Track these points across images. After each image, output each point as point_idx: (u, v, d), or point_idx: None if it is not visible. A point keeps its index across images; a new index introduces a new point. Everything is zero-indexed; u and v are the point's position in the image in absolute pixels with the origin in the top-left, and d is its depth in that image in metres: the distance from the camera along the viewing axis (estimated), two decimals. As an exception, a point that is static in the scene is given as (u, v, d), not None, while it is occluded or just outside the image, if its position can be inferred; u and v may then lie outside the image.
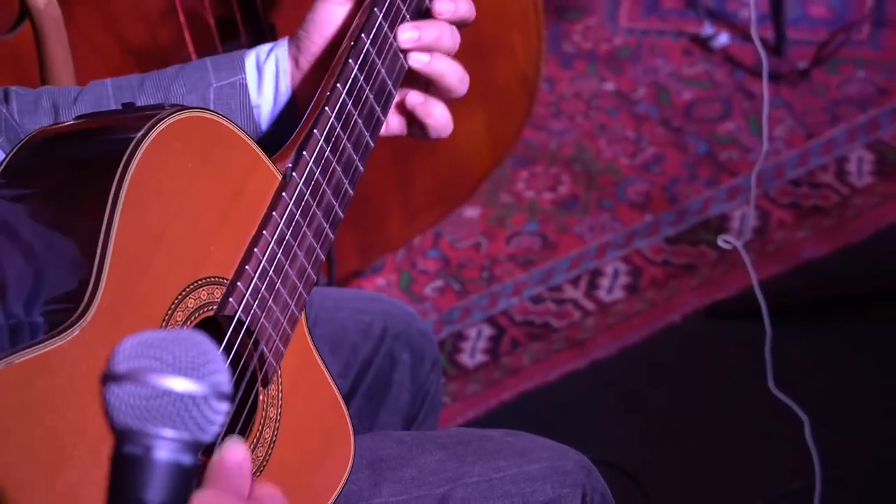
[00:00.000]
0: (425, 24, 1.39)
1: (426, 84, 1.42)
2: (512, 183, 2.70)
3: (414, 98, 1.41)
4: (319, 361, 1.42)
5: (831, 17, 2.93)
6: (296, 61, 1.45)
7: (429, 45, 1.39)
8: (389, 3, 1.38)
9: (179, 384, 0.99)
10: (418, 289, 2.42)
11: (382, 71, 1.40)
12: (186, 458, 1.00)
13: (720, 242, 2.21)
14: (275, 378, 1.33)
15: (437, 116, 1.42)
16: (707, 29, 2.89)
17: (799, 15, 2.93)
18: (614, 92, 2.86)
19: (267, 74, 1.45)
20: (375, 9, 1.36)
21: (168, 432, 1.00)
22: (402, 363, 1.76)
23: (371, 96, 1.39)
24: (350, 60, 1.34)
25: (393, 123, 1.43)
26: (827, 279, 2.46)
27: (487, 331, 2.35)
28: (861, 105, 2.77)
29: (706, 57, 2.89)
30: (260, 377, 1.31)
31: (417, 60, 1.39)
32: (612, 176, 2.70)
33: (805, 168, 2.70)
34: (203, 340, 1.03)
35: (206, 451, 1.12)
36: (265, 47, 1.49)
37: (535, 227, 2.54)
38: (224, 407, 1.03)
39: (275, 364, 1.32)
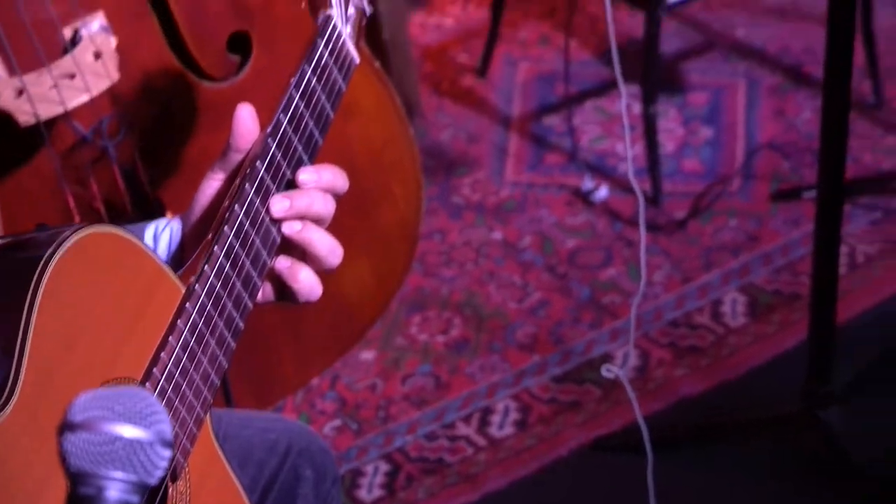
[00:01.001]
0: (296, 193, 1.42)
1: (301, 251, 1.46)
2: (406, 327, 2.71)
3: (281, 263, 1.43)
4: (224, 462, 1.45)
5: (703, 172, 2.99)
6: (185, 232, 1.50)
7: (300, 212, 1.42)
8: (260, 179, 1.41)
9: (128, 431, 1.08)
10: (316, 429, 2.42)
11: (257, 240, 1.42)
12: (134, 499, 1.08)
13: (603, 371, 2.31)
14: (183, 474, 1.36)
15: (303, 281, 1.44)
16: (587, 183, 2.93)
17: (673, 169, 2.99)
18: (501, 241, 2.88)
19: (161, 243, 1.49)
20: (246, 183, 1.39)
21: (118, 474, 1.08)
22: (305, 479, 1.78)
23: (247, 262, 1.42)
24: (225, 227, 1.37)
25: (266, 289, 1.46)
26: (705, 413, 2.48)
27: (384, 467, 2.39)
28: (733, 252, 2.83)
29: (587, 208, 2.92)
30: (169, 472, 1.32)
31: (290, 227, 1.42)
32: (500, 320, 2.71)
33: (682, 310, 2.73)
34: (147, 395, 1.11)
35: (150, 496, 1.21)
36: (163, 220, 1.53)
37: (429, 368, 2.57)
38: (167, 453, 1.10)
39: (182, 460, 1.35)
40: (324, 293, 1.57)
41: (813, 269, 2.21)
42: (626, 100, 2.49)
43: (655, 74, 2.89)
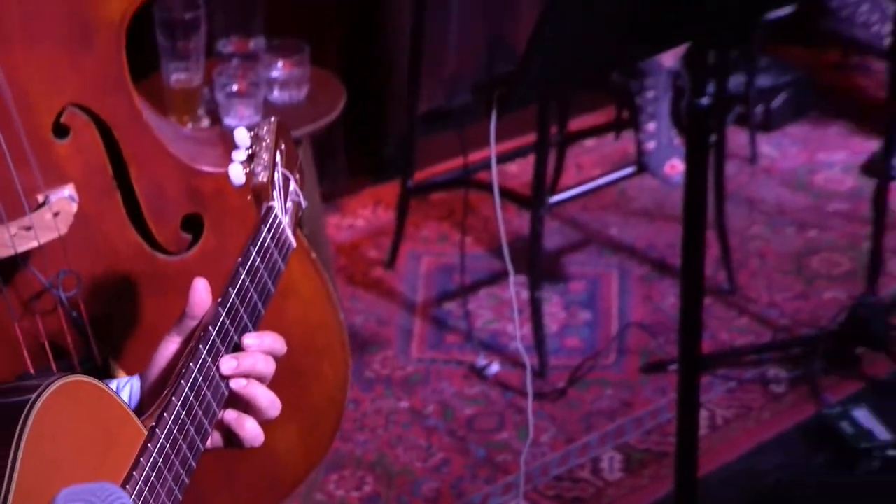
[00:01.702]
0: (243, 355, 1.48)
1: (245, 404, 1.50)
2: (324, 485, 2.74)
3: (229, 414, 1.48)
4: None
5: (583, 348, 3.09)
6: (144, 387, 1.53)
7: (245, 371, 1.48)
8: (212, 342, 1.46)
9: None
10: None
11: (209, 394, 1.46)
12: None
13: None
14: None
15: (249, 430, 1.50)
16: (481, 360, 3.03)
17: (557, 346, 3.09)
18: (408, 409, 2.95)
19: (123, 395, 1.51)
20: (200, 345, 1.44)
21: None
22: None
23: (200, 412, 1.45)
24: (182, 381, 1.42)
25: (214, 436, 1.50)
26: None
27: None
28: (610, 416, 2.92)
29: (481, 381, 3.00)
30: None
31: (237, 383, 1.47)
32: (408, 477, 2.76)
33: (566, 466, 2.80)
34: (117, 489, 1.27)
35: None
36: (125, 378, 1.58)
37: (346, 522, 2.58)
38: None
39: None
40: (256, 451, 1.61)
41: (677, 431, 2.22)
42: (515, 287, 2.63)
43: (540, 266, 3.00)
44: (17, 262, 1.91)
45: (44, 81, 1.91)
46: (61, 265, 1.93)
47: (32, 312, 1.95)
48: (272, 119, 1.72)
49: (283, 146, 1.72)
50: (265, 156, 1.67)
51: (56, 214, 1.91)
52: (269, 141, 1.70)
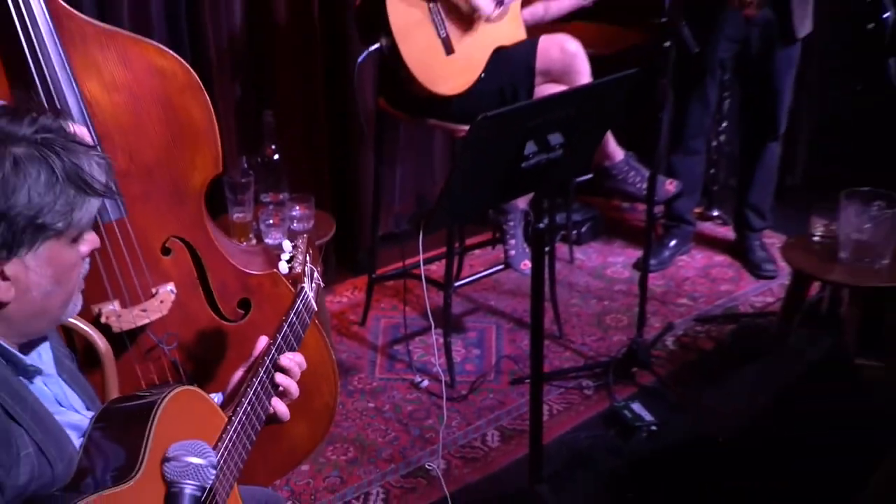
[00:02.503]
0: (289, 362, 1.50)
1: (281, 393, 1.51)
2: (324, 452, 2.63)
3: (275, 401, 1.50)
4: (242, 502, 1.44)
5: (476, 370, 3.00)
6: (224, 398, 1.53)
7: (288, 368, 1.50)
8: (266, 367, 1.47)
9: (195, 460, 1.25)
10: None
11: (263, 395, 1.46)
12: (199, 494, 1.26)
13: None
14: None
15: (283, 409, 1.51)
16: (417, 378, 2.92)
17: (461, 369, 2.98)
18: (374, 408, 2.83)
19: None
20: (260, 367, 1.46)
21: (189, 482, 1.25)
22: None
23: (258, 405, 1.46)
24: (249, 389, 1.44)
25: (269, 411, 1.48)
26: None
27: None
28: (491, 410, 2.81)
29: (418, 390, 2.90)
30: (216, 481, 1.30)
31: (283, 378, 1.49)
32: (374, 447, 2.65)
33: (467, 440, 2.70)
34: (208, 447, 1.27)
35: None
36: (214, 394, 1.53)
37: None
38: (213, 472, 1.26)
39: (224, 495, 1.34)
40: (281, 435, 1.73)
41: (530, 417, 2.20)
42: (435, 336, 2.75)
43: (450, 322, 2.97)
44: (138, 329, 1.90)
45: (155, 223, 1.92)
46: (167, 330, 1.93)
47: (147, 359, 1.94)
48: (305, 235, 1.75)
49: (310, 251, 1.74)
50: (300, 257, 1.68)
51: (161, 301, 1.91)
52: (302, 248, 1.72)
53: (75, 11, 1.77)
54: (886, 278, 2.63)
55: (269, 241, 2.65)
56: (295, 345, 1.57)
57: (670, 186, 2.99)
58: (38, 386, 1.35)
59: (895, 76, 2.67)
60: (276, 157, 2.78)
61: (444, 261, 3.02)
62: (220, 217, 2.69)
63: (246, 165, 2.69)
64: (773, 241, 3.66)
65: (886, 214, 2.61)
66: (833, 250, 2.69)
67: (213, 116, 1.89)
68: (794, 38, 3.17)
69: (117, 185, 1.67)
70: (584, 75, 2.78)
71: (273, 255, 2.05)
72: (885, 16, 2.63)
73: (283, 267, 1.72)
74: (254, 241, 2.68)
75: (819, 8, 3.17)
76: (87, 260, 1.34)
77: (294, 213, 2.75)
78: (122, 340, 1.88)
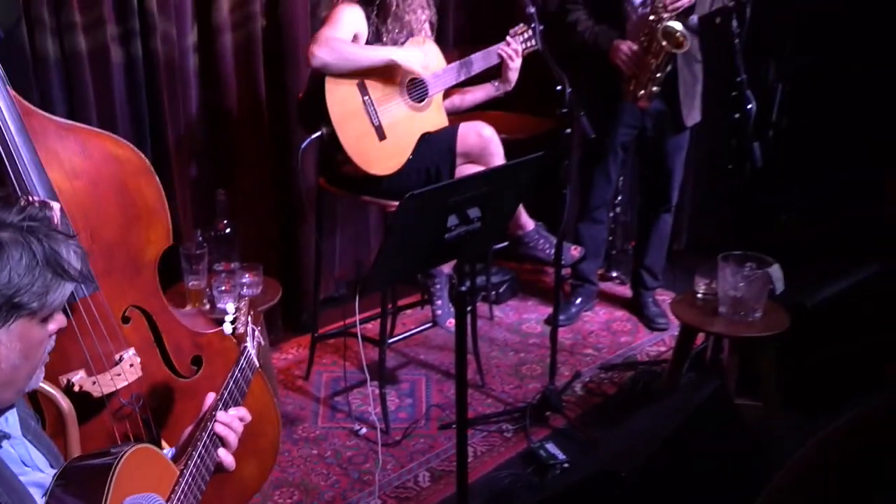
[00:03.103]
0: (230, 417, 1.48)
1: (225, 445, 1.47)
2: (272, 496, 2.56)
3: (223, 454, 1.46)
4: None
5: (408, 417, 2.94)
6: (176, 451, 1.51)
7: (228, 423, 1.46)
8: (214, 419, 1.44)
9: None
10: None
11: (211, 446, 1.44)
12: None
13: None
14: None
15: (227, 458, 1.47)
16: (356, 426, 2.87)
17: (395, 417, 2.93)
18: (317, 454, 2.76)
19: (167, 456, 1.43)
20: (209, 422, 1.41)
21: None
22: None
23: (207, 456, 1.43)
24: (199, 443, 1.42)
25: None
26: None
27: None
28: (423, 453, 2.77)
29: (357, 437, 2.83)
30: None
31: (221, 428, 1.46)
32: (317, 490, 2.59)
33: (401, 481, 2.65)
34: (160, 498, 1.23)
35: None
36: (167, 448, 1.52)
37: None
38: None
39: None
40: (233, 476, 1.60)
41: (457, 459, 2.12)
42: (371, 387, 2.71)
43: (384, 376, 2.91)
44: (111, 393, 1.85)
45: (116, 295, 1.88)
46: (132, 391, 1.87)
47: (118, 419, 1.88)
48: (247, 299, 1.73)
49: (251, 313, 1.71)
50: (243, 318, 1.67)
51: (132, 365, 1.86)
52: (244, 310, 1.70)
53: (35, 108, 1.76)
54: (760, 329, 2.69)
55: (221, 305, 2.60)
56: (239, 399, 1.54)
57: (575, 252, 3.04)
58: (5, 449, 1.32)
59: (758, 158, 2.78)
60: (228, 230, 2.75)
61: (379, 320, 2.99)
62: (176, 285, 2.65)
63: (201, 238, 2.66)
64: (665, 297, 3.72)
65: (757, 274, 2.68)
66: (714, 306, 2.75)
67: (164, 196, 1.89)
68: (683, 127, 3.29)
69: (91, 272, 1.69)
70: (498, 157, 2.82)
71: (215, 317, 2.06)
72: (749, 107, 2.75)
73: (228, 328, 1.70)
74: (207, 307, 2.63)
75: (705, 99, 3.30)
76: (53, 337, 1.32)
77: (244, 280, 2.71)
78: (100, 403, 1.85)
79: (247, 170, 3.25)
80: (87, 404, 1.80)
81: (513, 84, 2.92)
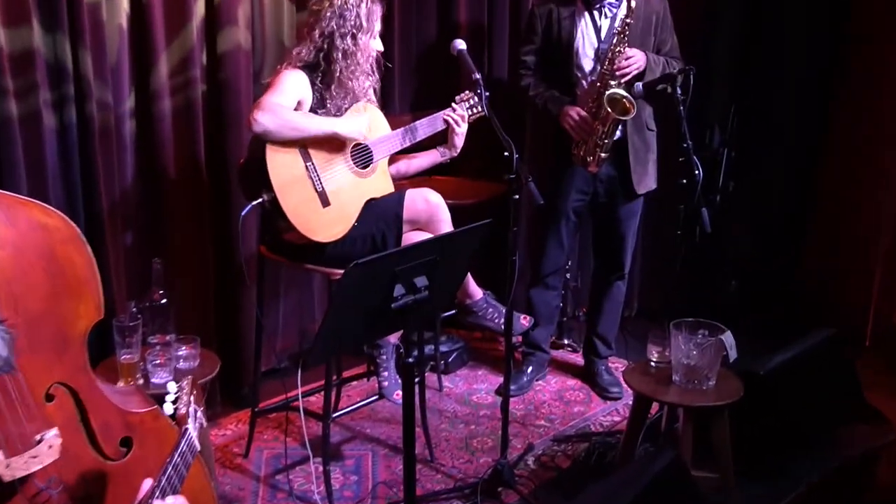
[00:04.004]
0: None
1: None
2: None
3: None
4: None
5: (353, 496, 2.87)
6: None
7: None
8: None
9: None
10: None
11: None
12: None
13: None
14: None
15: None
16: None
17: (339, 496, 2.86)
18: None
19: None
20: None
21: None
22: None
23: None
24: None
25: None
26: None
27: None
28: None
29: None
30: None
31: None
32: None
33: None
34: None
35: None
36: None
37: None
38: None
39: None
40: None
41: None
42: (314, 464, 2.67)
43: (328, 452, 2.84)
44: (26, 477, 1.76)
45: (40, 372, 1.80)
46: (49, 475, 1.79)
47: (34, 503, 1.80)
48: (190, 377, 1.69)
49: (194, 392, 1.68)
50: (185, 398, 1.64)
51: (50, 447, 1.78)
52: (187, 389, 1.67)
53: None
54: (714, 398, 2.71)
55: (155, 380, 2.55)
56: (178, 485, 1.51)
57: (524, 321, 3.04)
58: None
59: (707, 223, 2.84)
60: (164, 300, 2.70)
61: (322, 393, 2.96)
62: (108, 359, 2.58)
63: (135, 309, 2.61)
64: (618, 365, 3.75)
65: (710, 341, 2.71)
66: (668, 374, 2.78)
67: (95, 266, 1.84)
68: (634, 194, 3.37)
69: (12, 356, 1.63)
70: (446, 224, 2.84)
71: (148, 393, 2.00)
72: (696, 173, 2.83)
73: (168, 408, 1.65)
74: (140, 381, 2.56)
75: (659, 167, 3.40)
76: None
77: (180, 353, 2.66)
78: (11, 487, 1.75)
79: (184, 237, 3.23)
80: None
81: (458, 150, 2.97)
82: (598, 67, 3.16)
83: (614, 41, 3.11)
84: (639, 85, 3.19)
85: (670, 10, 3.33)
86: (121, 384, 2.51)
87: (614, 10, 3.19)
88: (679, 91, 2.91)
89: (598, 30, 3.19)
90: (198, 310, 3.30)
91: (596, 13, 3.19)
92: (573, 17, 3.19)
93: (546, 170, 3.32)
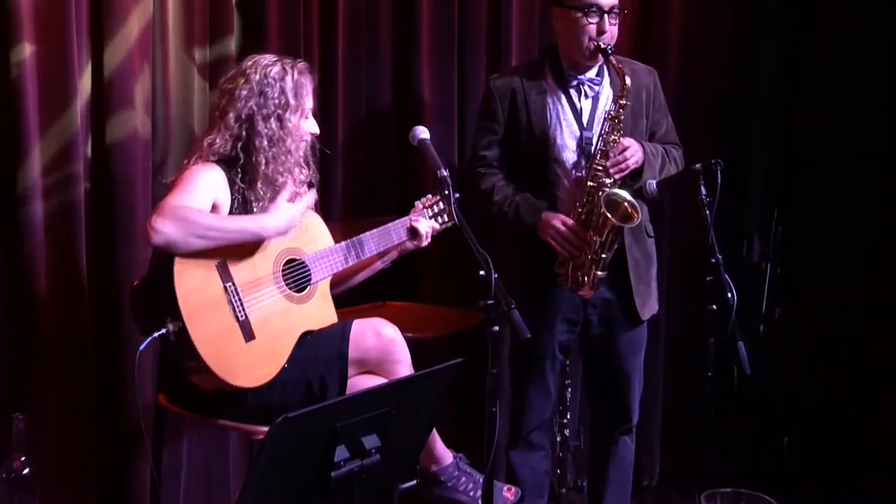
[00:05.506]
0: None
1: None
2: None
3: None
4: None
5: None
6: None
7: None
8: None
9: None
10: None
11: None
12: None
13: None
14: None
15: None
16: None
17: None
18: None
19: None
20: None
21: None
22: None
23: None
24: None
25: None
26: None
27: None
28: None
29: None
30: None
31: None
32: None
33: None
34: None
35: None
36: None
37: None
38: None
39: None
40: None
41: None
42: None
43: None
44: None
45: None
46: None
47: None
48: None
49: None
50: None
51: None
52: None
53: None
54: None
55: None
56: None
57: (509, 494, 3.02)
58: None
59: (746, 362, 2.84)
60: (27, 469, 2.66)
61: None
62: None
63: (-14, 482, 2.57)
64: (633, 552, 3.70)
65: (755, 521, 2.69)
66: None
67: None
68: (638, 320, 3.38)
69: None
70: (403, 364, 2.85)
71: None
72: (730, 297, 2.84)
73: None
74: None
75: (667, 286, 3.40)
76: None
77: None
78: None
79: (58, 385, 3.18)
80: None
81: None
82: (584, 162, 3.19)
83: (607, 128, 3.14)
84: (652, 183, 3.18)
85: (675, 89, 3.37)
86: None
87: (596, 89, 3.22)
88: (703, 192, 2.94)
89: (578, 114, 3.21)
90: (73, 483, 3.23)
91: (573, 92, 3.22)
92: (544, 98, 3.21)
93: (520, 294, 3.08)
